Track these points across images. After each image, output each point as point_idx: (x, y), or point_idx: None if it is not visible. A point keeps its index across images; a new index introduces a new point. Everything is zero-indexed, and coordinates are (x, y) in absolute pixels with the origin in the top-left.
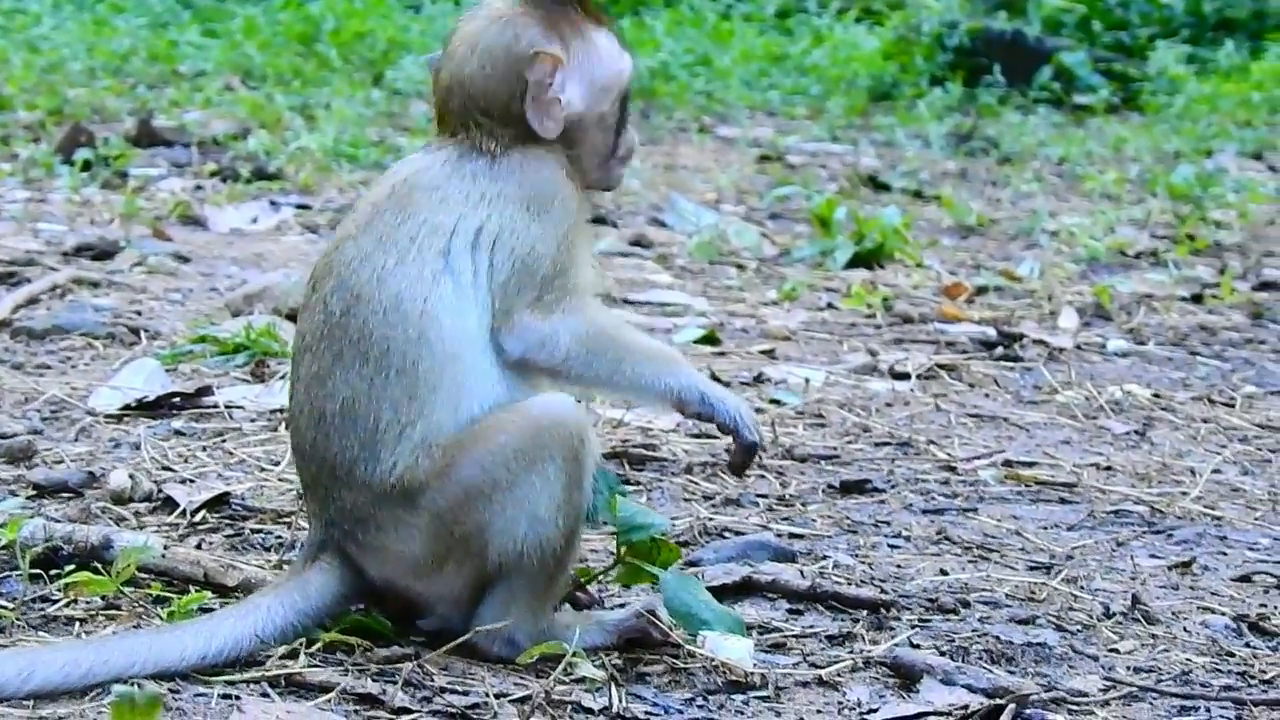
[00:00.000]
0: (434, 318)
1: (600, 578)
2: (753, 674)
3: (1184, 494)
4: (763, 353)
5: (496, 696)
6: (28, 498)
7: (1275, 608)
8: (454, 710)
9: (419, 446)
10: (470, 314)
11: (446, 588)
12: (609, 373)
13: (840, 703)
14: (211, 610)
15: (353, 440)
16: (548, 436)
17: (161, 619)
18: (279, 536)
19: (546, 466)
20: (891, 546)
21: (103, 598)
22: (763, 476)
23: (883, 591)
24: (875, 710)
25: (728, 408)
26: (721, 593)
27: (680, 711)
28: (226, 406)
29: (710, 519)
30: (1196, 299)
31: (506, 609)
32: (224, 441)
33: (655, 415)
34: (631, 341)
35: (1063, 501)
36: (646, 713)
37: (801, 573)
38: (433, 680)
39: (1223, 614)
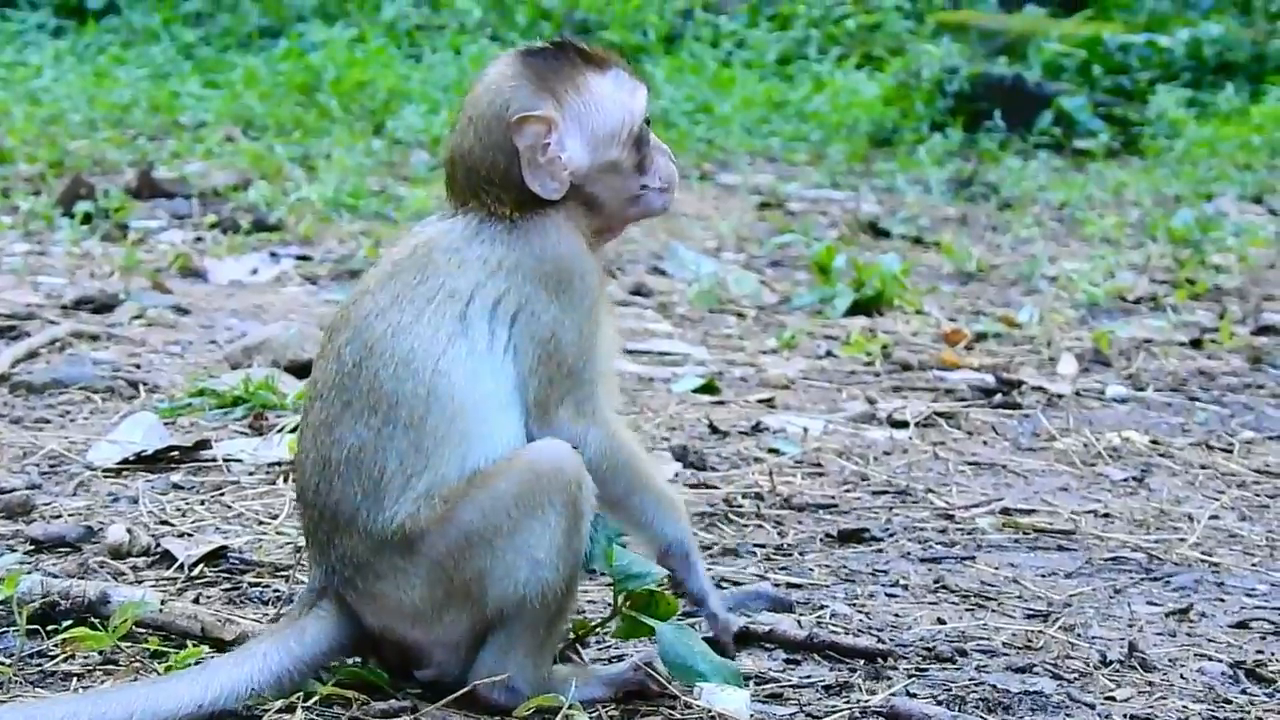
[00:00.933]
0: (446, 376)
1: (598, 629)
2: None
3: (1182, 540)
4: (761, 401)
5: None
6: (25, 553)
7: (1272, 654)
8: None
9: (422, 497)
10: (485, 377)
11: (445, 635)
12: (618, 496)
13: None
14: None
15: (356, 488)
16: (547, 483)
17: (159, 674)
18: (277, 590)
19: (546, 513)
20: (889, 595)
21: (100, 653)
22: (760, 526)
23: (880, 641)
24: None
25: (702, 579)
26: (719, 643)
27: None
28: (225, 460)
29: (708, 569)
30: (1195, 344)
31: (506, 656)
32: (222, 495)
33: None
34: (646, 475)
35: (1060, 549)
36: None
37: (799, 622)
38: None
39: (1219, 661)
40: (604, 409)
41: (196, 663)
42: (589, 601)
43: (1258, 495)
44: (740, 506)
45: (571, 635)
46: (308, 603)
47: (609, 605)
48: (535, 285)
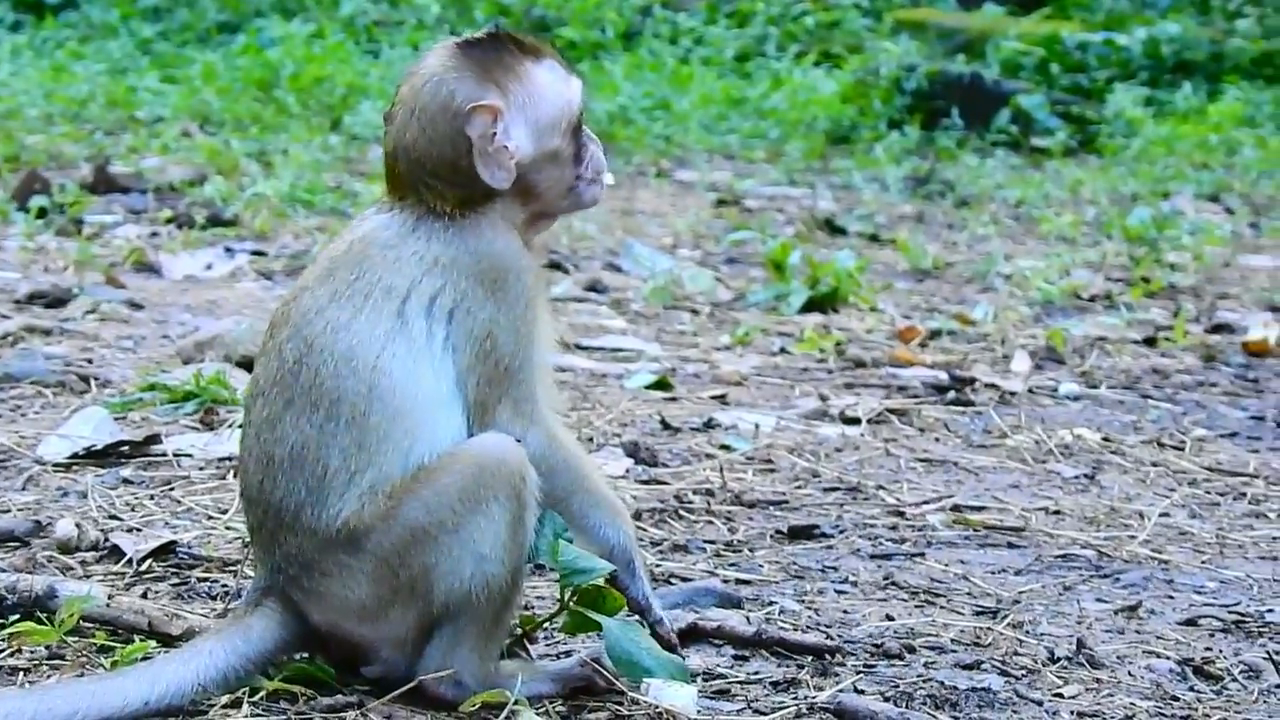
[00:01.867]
0: (386, 373)
1: (545, 625)
2: None
3: (1132, 538)
4: (714, 398)
5: None
6: None
7: (1220, 651)
8: None
9: (365, 493)
10: (425, 373)
11: (391, 631)
12: (557, 497)
13: None
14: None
15: (300, 485)
16: (490, 476)
17: (106, 669)
18: (225, 585)
19: (490, 506)
20: (838, 592)
21: (47, 647)
22: (710, 522)
23: (829, 637)
24: None
25: (643, 585)
26: (665, 646)
27: None
28: (175, 455)
29: (657, 565)
30: (1149, 342)
31: (452, 651)
32: (171, 490)
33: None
34: (586, 478)
35: (1010, 546)
36: None
37: (748, 619)
38: None
39: (1168, 658)
40: (542, 409)
41: (144, 658)
42: (537, 597)
43: (1208, 493)
44: (691, 503)
45: (519, 631)
46: (254, 600)
47: (556, 601)
48: (472, 283)
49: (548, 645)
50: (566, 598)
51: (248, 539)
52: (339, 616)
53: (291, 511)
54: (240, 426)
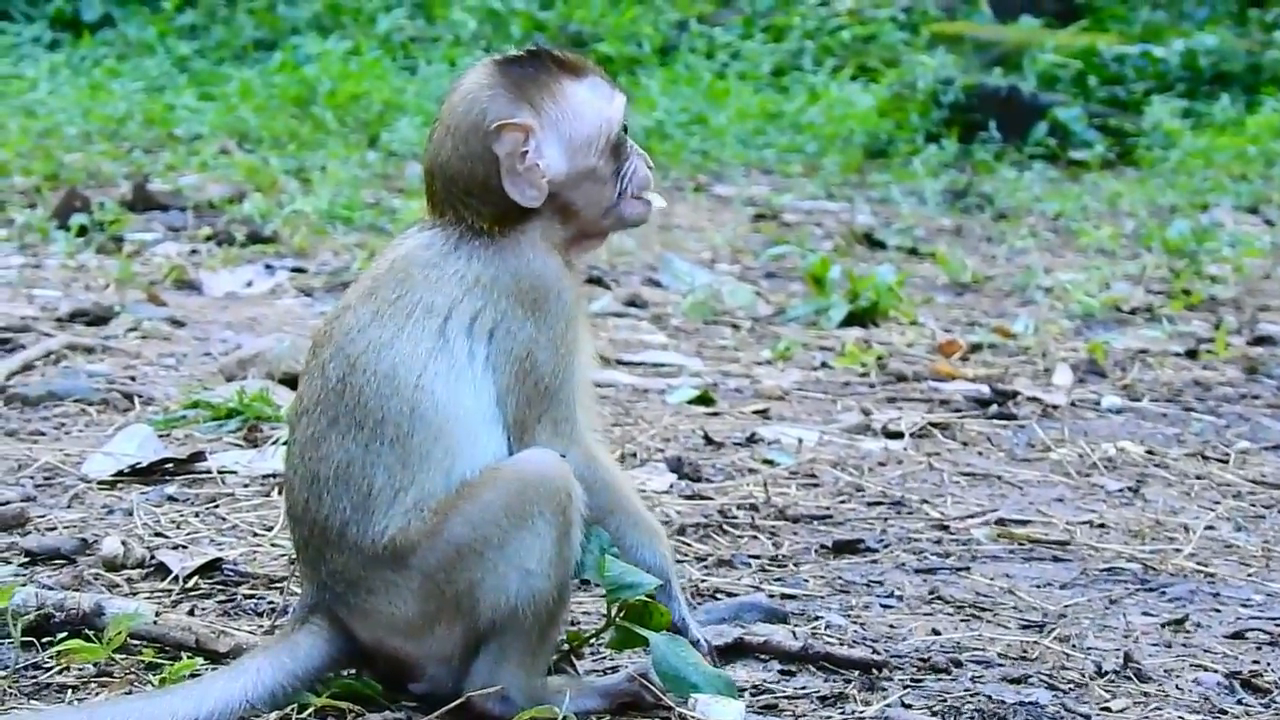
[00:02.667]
0: (428, 392)
1: (592, 640)
2: None
3: (1177, 551)
4: (756, 413)
5: None
6: (20, 565)
7: (1268, 664)
8: None
9: (411, 510)
10: (466, 393)
11: (438, 648)
12: (596, 517)
13: None
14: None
15: (344, 503)
16: (534, 492)
17: (154, 686)
18: (271, 602)
19: (535, 521)
20: (884, 606)
21: (95, 665)
22: (755, 537)
23: (875, 652)
24: None
25: (681, 607)
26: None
27: None
28: (219, 472)
29: (703, 580)
30: (1191, 354)
31: (499, 667)
32: (216, 507)
33: None
34: (624, 497)
35: (1056, 559)
36: None
37: (794, 633)
38: None
39: (1215, 671)
40: (581, 429)
41: (191, 675)
42: (583, 612)
43: (1253, 506)
44: (735, 518)
45: (566, 646)
46: (300, 617)
47: (602, 616)
48: (511, 303)
49: (594, 661)
50: (613, 613)
51: (293, 556)
52: (385, 633)
53: (337, 529)
54: (285, 444)
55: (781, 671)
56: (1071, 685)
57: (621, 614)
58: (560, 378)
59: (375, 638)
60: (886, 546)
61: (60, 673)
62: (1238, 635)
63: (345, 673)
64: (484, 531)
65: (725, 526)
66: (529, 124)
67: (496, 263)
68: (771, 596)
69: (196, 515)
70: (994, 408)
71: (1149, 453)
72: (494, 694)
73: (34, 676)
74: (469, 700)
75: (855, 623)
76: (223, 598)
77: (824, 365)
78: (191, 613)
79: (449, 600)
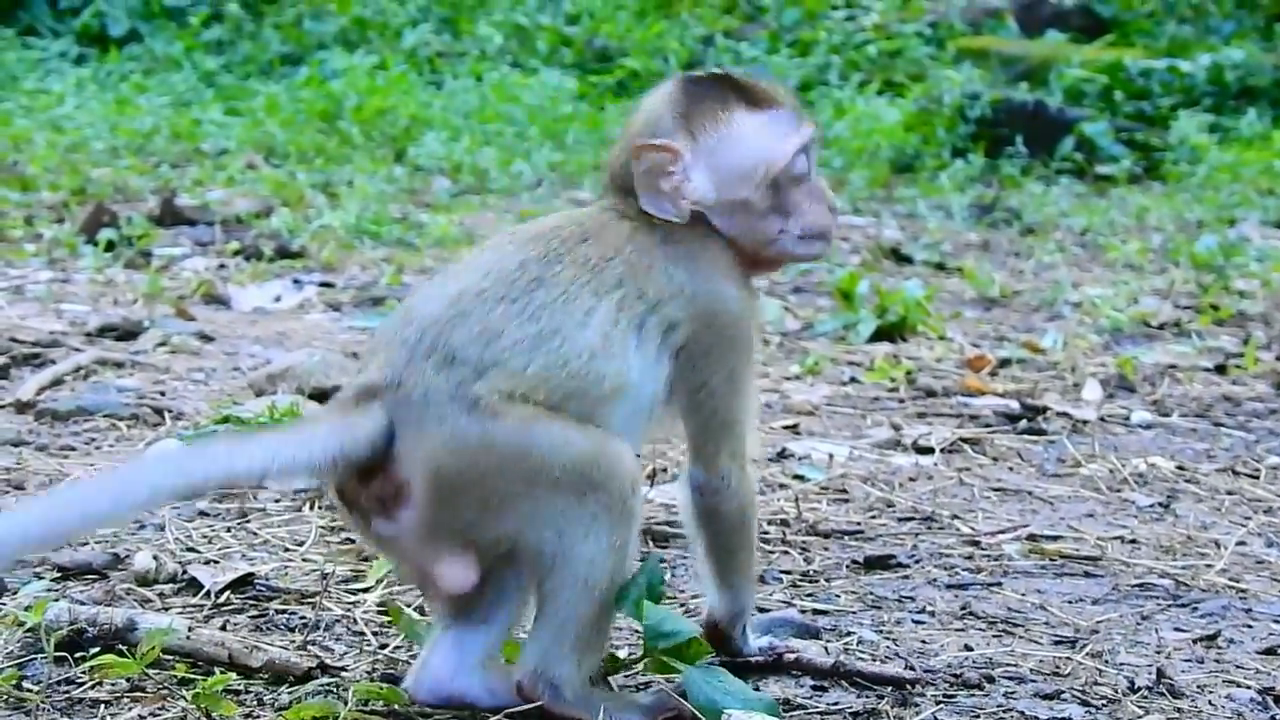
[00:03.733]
0: (607, 342)
1: (629, 666)
2: None
3: (1209, 566)
4: (786, 428)
5: None
6: (53, 580)
7: None
8: None
9: (524, 386)
10: (634, 368)
11: (453, 523)
12: (727, 544)
13: None
14: (237, 692)
15: (473, 346)
16: (601, 471)
17: (186, 700)
18: (303, 617)
19: (590, 497)
20: (916, 622)
21: (127, 680)
22: (786, 552)
23: (908, 667)
24: None
25: (749, 643)
26: (746, 671)
27: None
28: (250, 487)
29: None
30: (1220, 369)
31: (552, 650)
32: (248, 522)
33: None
34: (753, 535)
35: (1087, 575)
36: None
37: (826, 649)
38: None
39: (1248, 687)
40: (747, 467)
41: (225, 690)
42: (616, 628)
43: None
44: (766, 533)
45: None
46: (362, 396)
47: (634, 632)
48: (702, 318)
49: (625, 676)
50: (652, 653)
51: (327, 569)
52: (418, 473)
53: (451, 353)
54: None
55: (814, 687)
56: (1104, 701)
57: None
58: (743, 409)
59: (408, 474)
60: (918, 562)
61: (93, 688)
62: (1270, 651)
63: (377, 682)
64: (549, 464)
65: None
66: (675, 147)
67: (698, 279)
68: (803, 612)
69: (228, 530)
70: (1023, 423)
71: (1179, 468)
72: (544, 678)
73: (66, 692)
74: (519, 684)
75: (887, 638)
76: (255, 613)
77: (853, 380)
78: (224, 628)
79: (488, 497)
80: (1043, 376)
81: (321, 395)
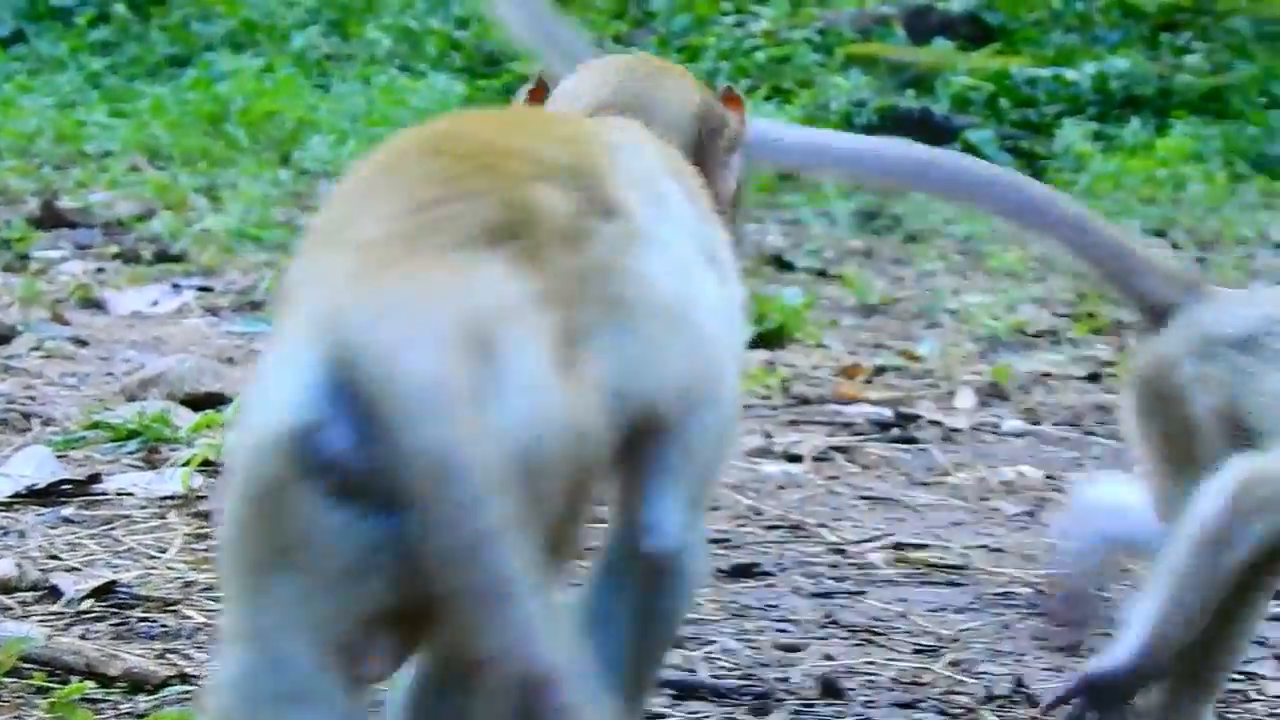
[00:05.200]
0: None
1: None
2: None
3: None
4: None
5: None
6: None
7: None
8: None
9: None
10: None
11: None
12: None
13: None
14: (95, 700)
15: None
16: None
17: (42, 710)
18: (164, 625)
19: None
20: (778, 630)
21: None
22: None
23: (764, 679)
24: None
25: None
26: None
27: None
28: (117, 494)
29: None
30: (1093, 378)
31: None
32: (112, 529)
33: None
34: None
35: (951, 584)
36: None
37: (685, 659)
38: None
39: None
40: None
41: (81, 699)
42: None
43: None
44: None
45: None
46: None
47: None
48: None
49: None
50: None
51: (190, 577)
52: None
53: None
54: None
55: (674, 697)
56: (962, 710)
57: None
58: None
59: None
60: (783, 570)
61: None
62: None
63: None
64: None
65: None
66: None
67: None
68: None
69: (92, 537)
70: (895, 431)
71: (1048, 477)
72: None
73: None
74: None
75: (749, 647)
76: (116, 620)
77: None
78: (84, 636)
79: None
80: (917, 384)
81: (194, 401)
